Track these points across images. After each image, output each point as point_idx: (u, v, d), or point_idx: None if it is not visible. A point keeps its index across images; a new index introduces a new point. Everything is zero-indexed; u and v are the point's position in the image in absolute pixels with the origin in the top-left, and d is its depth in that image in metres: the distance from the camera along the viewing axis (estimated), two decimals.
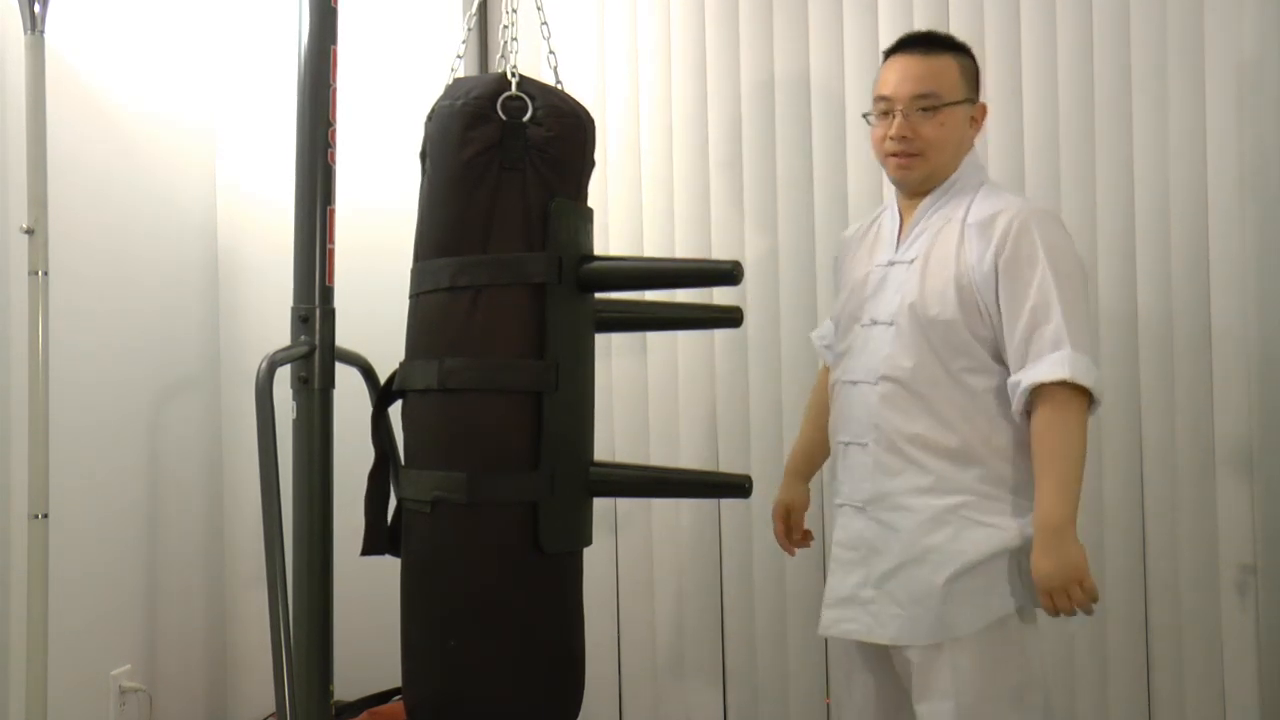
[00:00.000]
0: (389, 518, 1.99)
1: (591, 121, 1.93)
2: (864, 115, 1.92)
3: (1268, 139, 2.22)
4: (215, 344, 2.78)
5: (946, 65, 1.83)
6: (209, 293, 2.78)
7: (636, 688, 2.66)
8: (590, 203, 1.95)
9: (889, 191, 1.98)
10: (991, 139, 2.38)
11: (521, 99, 1.82)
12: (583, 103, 1.94)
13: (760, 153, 2.57)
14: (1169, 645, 2.29)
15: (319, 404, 1.92)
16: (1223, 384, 2.24)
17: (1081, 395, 1.69)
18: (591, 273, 1.87)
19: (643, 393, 2.65)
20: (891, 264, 1.85)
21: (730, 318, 2.18)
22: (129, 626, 2.48)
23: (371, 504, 1.99)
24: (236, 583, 2.78)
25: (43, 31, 2.06)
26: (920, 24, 2.36)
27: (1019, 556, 1.73)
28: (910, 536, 1.77)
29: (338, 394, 1.96)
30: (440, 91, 1.90)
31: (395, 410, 1.98)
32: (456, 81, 1.92)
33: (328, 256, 1.92)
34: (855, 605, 1.82)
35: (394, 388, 1.94)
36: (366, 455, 2.00)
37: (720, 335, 2.58)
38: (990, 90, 2.36)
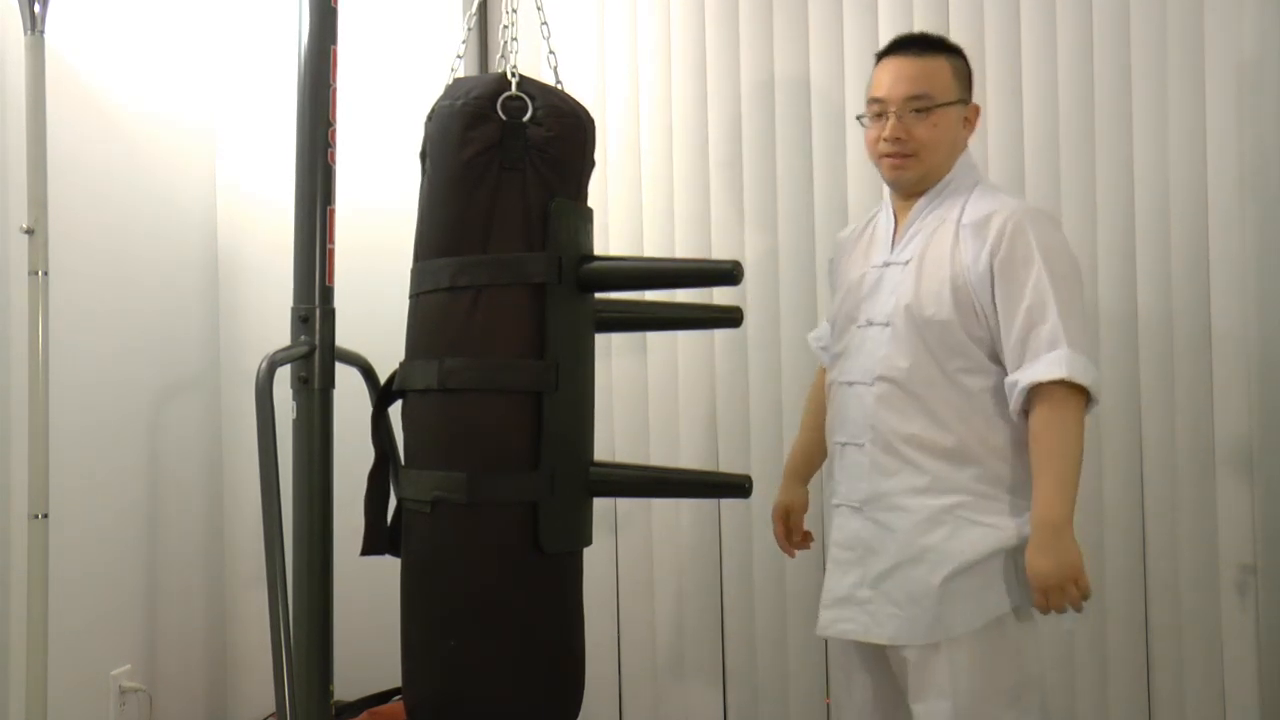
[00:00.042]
0: (389, 518, 1.99)
1: (591, 121, 1.94)
2: (858, 117, 1.93)
3: (1268, 139, 2.22)
4: (215, 344, 2.78)
5: (939, 66, 1.84)
6: (209, 293, 2.78)
7: (636, 688, 2.66)
8: (590, 203, 1.95)
9: (887, 192, 1.98)
10: (991, 139, 2.38)
11: (521, 99, 1.83)
12: (583, 103, 1.94)
13: (760, 153, 2.57)
14: (1169, 645, 2.29)
15: (319, 404, 1.92)
16: (1223, 384, 2.24)
17: (1079, 394, 1.70)
18: (591, 273, 1.87)
19: (643, 393, 2.65)
20: (887, 265, 1.85)
21: (730, 318, 2.18)
22: (129, 626, 2.48)
23: (371, 504, 1.99)
24: (236, 583, 2.78)
25: (43, 31, 2.06)
26: (920, 25, 2.36)
27: (1015, 556, 1.74)
28: (907, 536, 1.77)
29: (338, 394, 1.96)
30: (440, 91, 1.91)
31: (395, 410, 1.98)
32: (456, 81, 1.92)
33: (328, 256, 1.92)
34: (852, 605, 1.82)
35: (394, 388, 1.94)
36: (366, 455, 2.00)
37: (720, 335, 2.58)
38: (990, 90, 2.36)
